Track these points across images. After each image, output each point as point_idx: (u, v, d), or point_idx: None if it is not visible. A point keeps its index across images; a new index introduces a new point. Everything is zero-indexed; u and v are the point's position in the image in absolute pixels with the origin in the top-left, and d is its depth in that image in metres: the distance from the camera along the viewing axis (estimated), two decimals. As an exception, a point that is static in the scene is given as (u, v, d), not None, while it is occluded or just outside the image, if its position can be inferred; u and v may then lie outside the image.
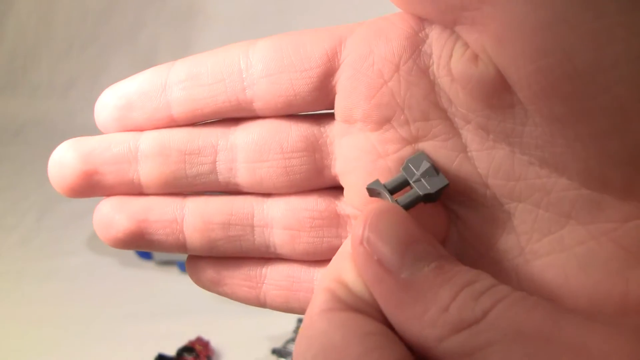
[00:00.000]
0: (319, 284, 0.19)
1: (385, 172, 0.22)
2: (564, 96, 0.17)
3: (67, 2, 1.29)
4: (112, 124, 0.23)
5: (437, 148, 0.21)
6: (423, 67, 0.21)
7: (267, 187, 0.23)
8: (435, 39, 0.20)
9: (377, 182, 0.21)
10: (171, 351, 0.66)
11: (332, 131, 0.23)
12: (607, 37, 0.16)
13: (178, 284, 0.80)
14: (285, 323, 0.70)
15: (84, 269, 0.83)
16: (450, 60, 0.20)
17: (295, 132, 0.23)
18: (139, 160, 0.23)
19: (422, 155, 0.21)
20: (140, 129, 0.23)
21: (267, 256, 0.24)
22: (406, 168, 0.21)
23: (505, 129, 0.20)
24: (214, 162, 0.23)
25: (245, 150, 0.23)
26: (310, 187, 0.23)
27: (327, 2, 1.09)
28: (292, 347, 0.66)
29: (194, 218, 0.23)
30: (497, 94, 0.19)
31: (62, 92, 1.27)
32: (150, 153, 0.23)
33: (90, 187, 0.23)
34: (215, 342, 0.68)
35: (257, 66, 0.22)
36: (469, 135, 0.21)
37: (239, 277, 0.24)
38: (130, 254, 0.85)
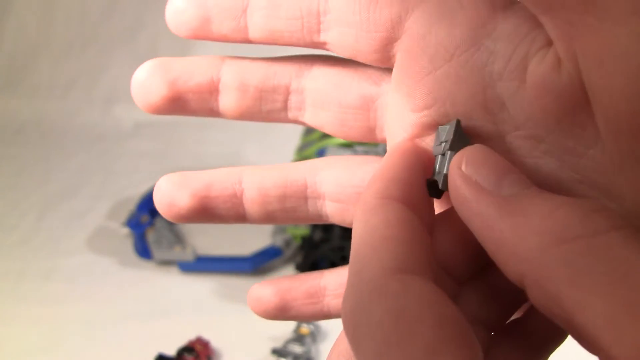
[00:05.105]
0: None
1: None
2: None
3: (67, 2, 1.29)
4: (186, 32, 0.23)
5: None
6: (479, 65, 0.19)
7: (327, 132, 0.24)
8: (506, 35, 0.18)
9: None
10: (171, 351, 0.66)
11: (388, 94, 0.22)
12: None
13: (178, 284, 0.80)
14: (285, 323, 0.70)
15: (84, 269, 0.84)
16: (528, 62, 0.18)
17: (355, 89, 0.23)
18: (220, 90, 0.24)
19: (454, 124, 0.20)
20: (214, 40, 0.24)
21: (320, 222, 0.25)
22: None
23: (564, 146, 0.18)
24: (286, 100, 0.24)
25: (311, 96, 0.24)
26: (365, 140, 0.24)
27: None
28: (292, 347, 0.66)
29: (252, 192, 0.24)
30: (573, 112, 0.17)
31: (62, 92, 1.27)
32: (230, 86, 0.24)
33: (173, 109, 0.24)
34: (215, 342, 0.68)
35: (333, 14, 0.22)
36: (515, 141, 0.19)
37: (301, 297, 0.25)
38: (130, 254, 0.85)
